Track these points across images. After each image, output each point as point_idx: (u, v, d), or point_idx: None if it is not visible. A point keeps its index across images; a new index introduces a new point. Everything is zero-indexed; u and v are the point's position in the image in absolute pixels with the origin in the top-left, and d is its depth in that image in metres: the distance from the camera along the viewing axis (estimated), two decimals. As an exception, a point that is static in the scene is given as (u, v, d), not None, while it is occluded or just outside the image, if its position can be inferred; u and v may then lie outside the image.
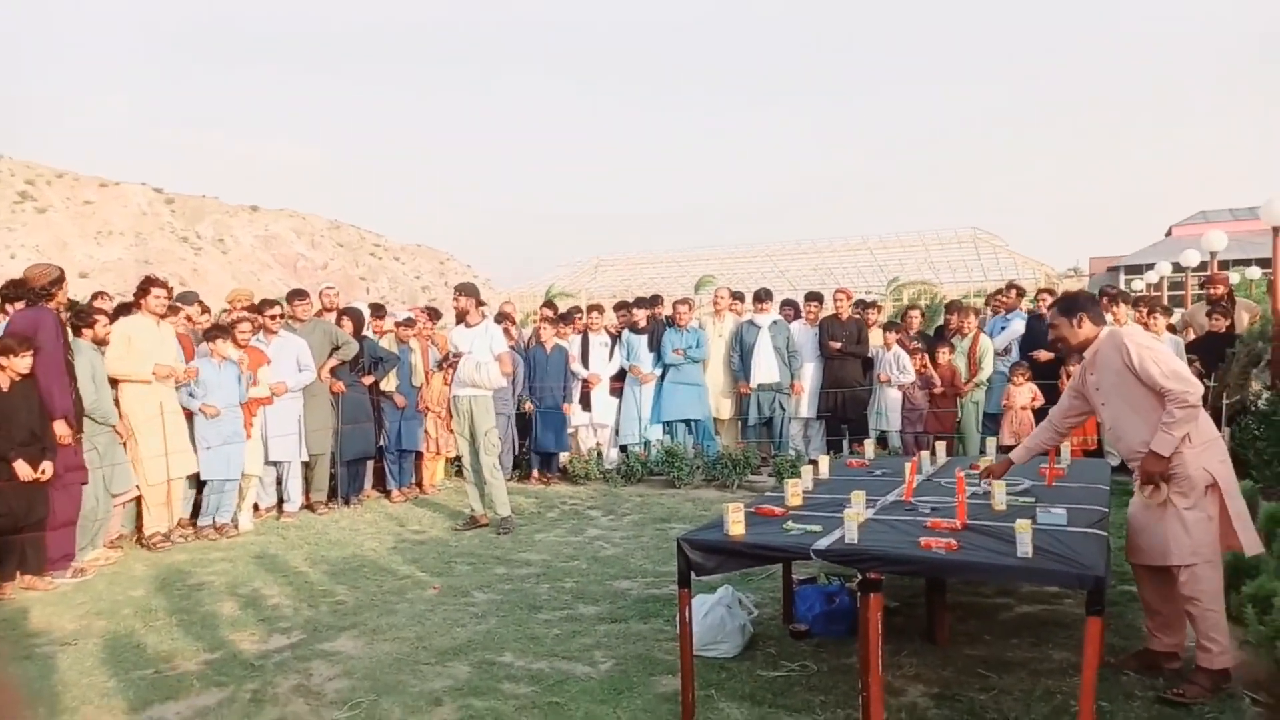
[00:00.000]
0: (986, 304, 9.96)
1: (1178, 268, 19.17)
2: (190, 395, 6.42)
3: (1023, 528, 2.88)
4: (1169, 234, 34.10)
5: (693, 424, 8.71)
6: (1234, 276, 17.72)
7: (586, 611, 4.62)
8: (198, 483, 6.59)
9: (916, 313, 8.97)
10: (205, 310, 7.87)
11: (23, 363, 5.11)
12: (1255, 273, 18.67)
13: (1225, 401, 6.92)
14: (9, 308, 5.90)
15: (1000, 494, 3.58)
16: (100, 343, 6.03)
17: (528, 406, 8.56)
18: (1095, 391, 3.61)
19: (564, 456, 8.88)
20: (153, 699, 3.59)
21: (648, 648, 4.03)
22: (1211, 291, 8.21)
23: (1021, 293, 9.38)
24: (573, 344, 8.94)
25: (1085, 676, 2.67)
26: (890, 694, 3.31)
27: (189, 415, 6.42)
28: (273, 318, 7.14)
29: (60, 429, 5.30)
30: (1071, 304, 3.67)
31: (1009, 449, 7.39)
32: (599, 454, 8.80)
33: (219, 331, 6.66)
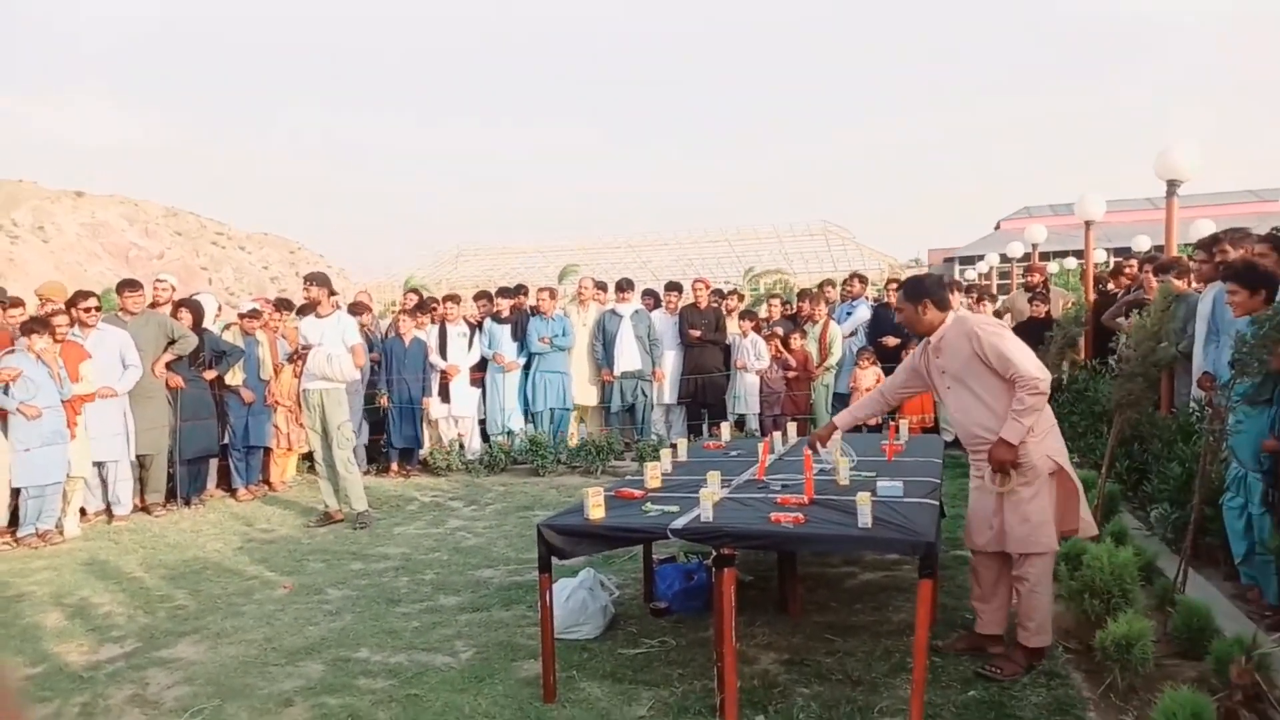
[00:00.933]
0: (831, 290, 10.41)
1: (1004, 258, 20.73)
2: (5, 394, 5.88)
3: (863, 500, 3.05)
4: (998, 227, 36.70)
5: (555, 412, 8.72)
6: (1053, 266, 19.32)
7: (447, 602, 4.56)
8: (11, 489, 6.04)
9: (777, 301, 9.29)
10: (14, 305, 7.16)
11: None
12: (1071, 263, 20.42)
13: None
14: None
15: (844, 470, 3.78)
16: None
17: (383, 400, 8.33)
18: (940, 375, 3.61)
19: (424, 449, 8.69)
20: (-38, 722, 3.28)
21: (510, 634, 4.02)
22: (1031, 280, 8.92)
23: (865, 281, 9.88)
24: (430, 335, 8.75)
25: (918, 635, 2.86)
26: (744, 662, 3.44)
27: (2, 416, 5.88)
28: (87, 310, 6.60)
29: None
30: (917, 289, 3.66)
31: (854, 429, 7.85)
32: (460, 445, 8.66)
33: (38, 325, 6.12)
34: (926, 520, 3.09)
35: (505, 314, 8.82)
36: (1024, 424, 3.28)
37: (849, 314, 9.08)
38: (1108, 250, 19.85)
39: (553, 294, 9.05)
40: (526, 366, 8.71)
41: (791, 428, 5.27)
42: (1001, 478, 3.37)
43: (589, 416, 9.17)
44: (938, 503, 3.44)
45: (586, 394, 8.95)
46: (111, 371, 6.54)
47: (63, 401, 6.15)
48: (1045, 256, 16.63)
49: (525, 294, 9.35)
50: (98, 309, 6.76)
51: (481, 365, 8.78)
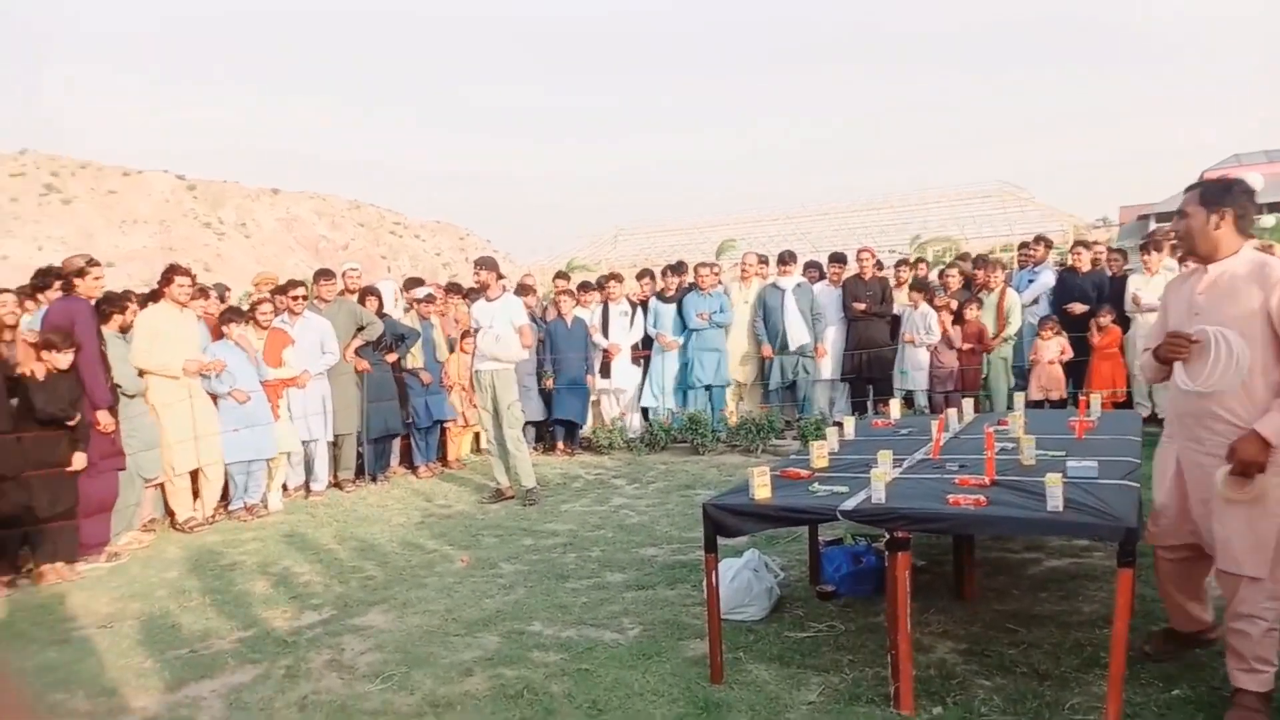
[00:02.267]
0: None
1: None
2: (218, 380, 6.47)
3: (1053, 481, 2.82)
4: (1201, 179, 33.32)
5: (713, 390, 8.68)
6: (1268, 219, 17.29)
7: (614, 579, 4.63)
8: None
9: (955, 271, 8.80)
10: (223, 300, 7.92)
11: (64, 359, 5.18)
12: (1269, 220, 18.20)
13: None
14: (39, 297, 6.01)
15: (1029, 448, 3.52)
16: (125, 329, 6.09)
17: (548, 382, 8.56)
18: (1192, 317, 2.85)
19: (587, 427, 8.89)
20: (188, 677, 3.65)
21: (675, 613, 4.03)
22: None
23: (1050, 245, 9.19)
24: (593, 314, 8.90)
25: (1116, 628, 2.63)
26: (919, 650, 3.28)
27: (213, 399, 6.49)
28: (296, 299, 7.16)
29: (104, 418, 5.41)
30: (1220, 194, 2.84)
31: (1037, 404, 7.35)
32: (622, 424, 8.79)
33: (235, 315, 6.68)
34: (1126, 503, 2.82)
35: (671, 292, 8.83)
36: None
37: (1030, 281, 8.48)
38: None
39: (713, 269, 8.97)
40: (685, 345, 8.70)
41: (967, 404, 4.97)
42: (1236, 482, 2.68)
43: (747, 394, 9.07)
44: (1137, 485, 3.13)
45: (745, 371, 8.85)
46: (312, 356, 7.08)
47: (264, 384, 6.71)
48: (1261, 209, 14.90)
49: (685, 271, 9.33)
50: (304, 297, 7.32)
51: (644, 343, 8.86)
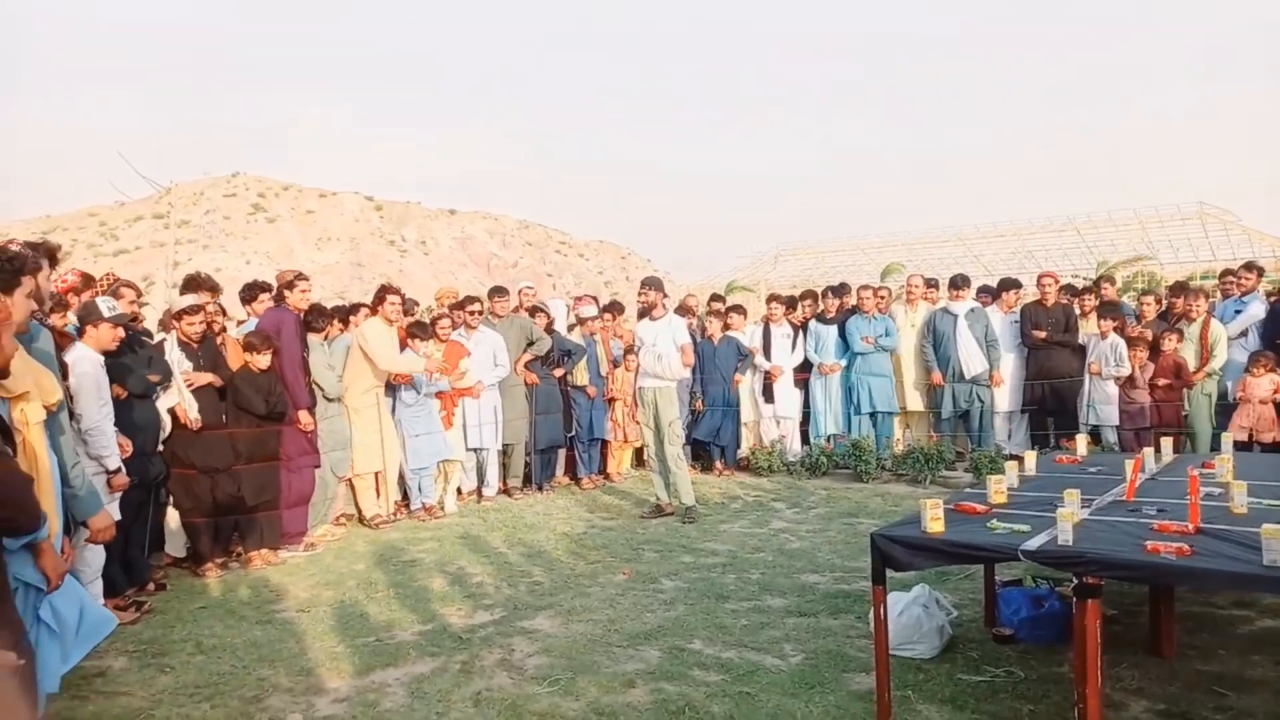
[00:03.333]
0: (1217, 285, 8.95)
1: None
2: (419, 385, 6.96)
3: (1271, 533, 2.57)
4: None
5: (879, 416, 8.44)
6: None
7: (774, 604, 4.59)
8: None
9: (1152, 299, 8.17)
10: (416, 307, 8.52)
11: (263, 359, 5.72)
12: None
13: None
14: (247, 308, 6.67)
15: (1241, 495, 3.22)
16: (326, 338, 6.64)
17: (697, 405, 8.59)
18: None
19: (745, 448, 8.85)
20: (375, 664, 3.91)
21: (839, 643, 3.95)
22: None
23: (1261, 272, 8.37)
24: (754, 335, 8.88)
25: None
26: (1109, 707, 3.06)
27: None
28: (473, 314, 7.58)
29: (304, 418, 5.94)
30: None
31: (1244, 446, 6.69)
32: (782, 446, 8.70)
33: (419, 329, 7.14)
34: (1361, 565, 2.53)
35: (832, 314, 8.71)
36: None
37: (1237, 312, 7.74)
38: None
39: (876, 292, 8.77)
40: (849, 368, 8.52)
41: (1166, 444, 4.60)
42: None
43: (915, 422, 8.75)
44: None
45: (912, 398, 8.56)
46: (486, 368, 7.46)
47: (441, 393, 7.13)
48: None
49: (847, 293, 9.16)
50: (480, 313, 7.74)
51: (805, 366, 8.75)
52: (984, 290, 9.22)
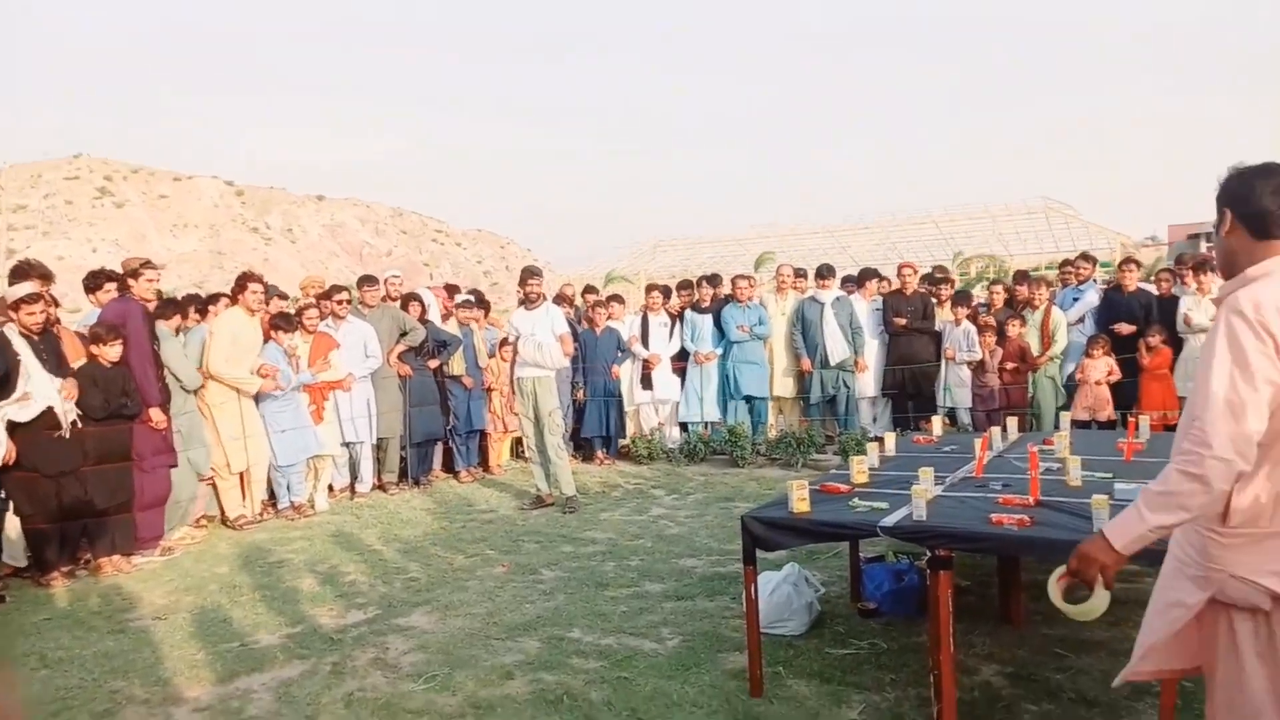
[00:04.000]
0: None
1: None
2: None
3: (1099, 503, 2.81)
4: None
5: (753, 402, 8.68)
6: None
7: (652, 589, 4.66)
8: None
9: (1000, 288, 8.68)
10: (284, 298, 8.16)
11: (112, 351, 5.35)
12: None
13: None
14: (90, 298, 6.21)
15: (1075, 469, 3.49)
16: (179, 331, 6.27)
17: (579, 395, 8.62)
18: None
19: (626, 437, 8.94)
20: (239, 670, 3.74)
21: (714, 625, 4.05)
22: None
23: (1094, 262, 9.06)
24: (632, 325, 8.96)
25: (1168, 656, 2.59)
26: (963, 673, 3.27)
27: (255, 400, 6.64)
28: (340, 303, 7.32)
29: (156, 415, 5.58)
30: (1224, 187, 2.03)
31: (1083, 424, 7.24)
32: (661, 434, 8.83)
33: (283, 320, 6.84)
34: (1176, 530, 2.79)
35: (706, 304, 8.88)
36: (1150, 520, 1.87)
37: (1075, 299, 8.36)
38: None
39: (750, 281, 9.00)
40: (724, 356, 8.72)
41: (1012, 423, 4.93)
42: (1065, 586, 2.16)
43: (787, 408, 9.05)
44: (1188, 510, 3.09)
45: (784, 385, 8.84)
46: (356, 360, 7.22)
47: (309, 387, 6.86)
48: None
49: (719, 283, 9.36)
50: (349, 302, 7.48)
51: (682, 355, 8.90)
52: (848, 280, 9.61)
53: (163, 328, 6.04)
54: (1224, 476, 1.80)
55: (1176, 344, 7.52)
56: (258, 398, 6.59)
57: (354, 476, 7.50)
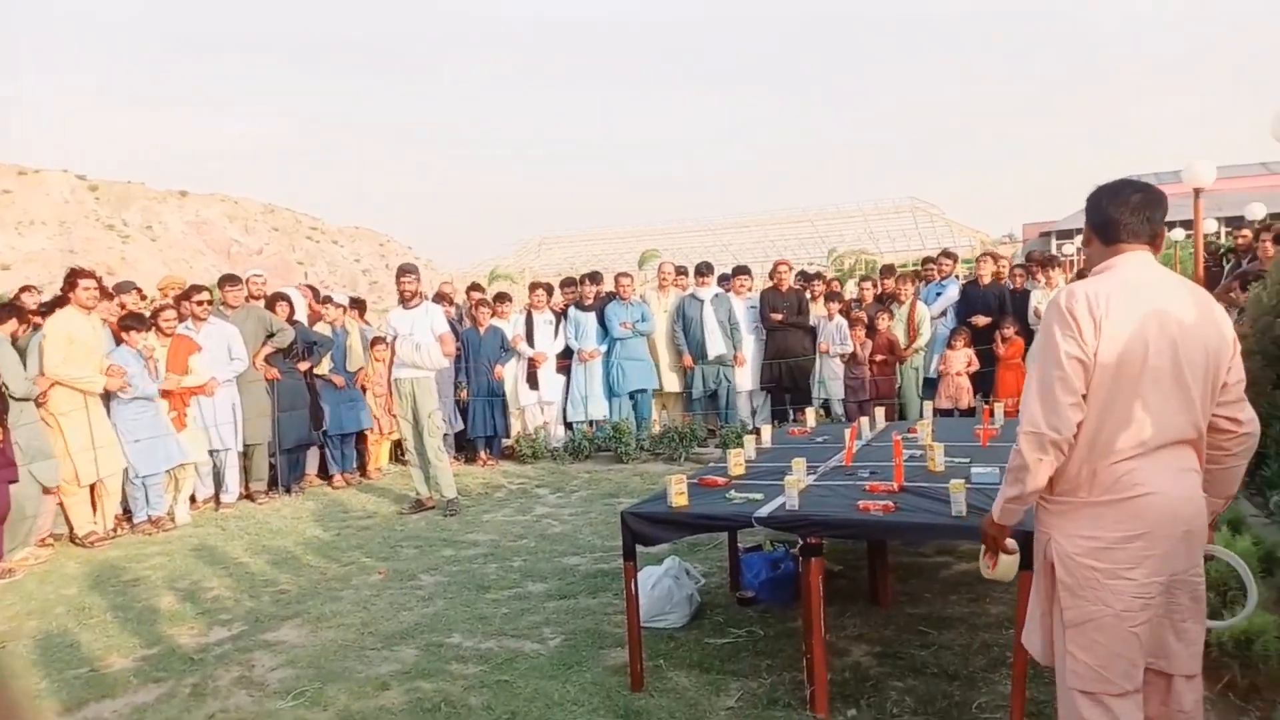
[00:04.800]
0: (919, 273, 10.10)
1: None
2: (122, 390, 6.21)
3: (956, 487, 2.94)
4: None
5: (637, 398, 8.73)
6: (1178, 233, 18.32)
7: (535, 589, 4.62)
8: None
9: (869, 284, 9.02)
10: (143, 298, 7.67)
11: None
12: (1179, 234, 19.31)
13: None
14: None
15: (939, 455, 3.65)
16: (15, 337, 5.79)
17: (462, 394, 8.46)
18: None
19: (510, 436, 8.83)
20: (88, 698, 3.49)
21: (597, 622, 4.04)
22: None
23: (955, 259, 9.55)
24: (517, 323, 8.86)
25: (1019, 629, 2.74)
26: (834, 654, 3.37)
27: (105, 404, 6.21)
28: (201, 304, 6.92)
29: None
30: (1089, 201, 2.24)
31: (946, 413, 7.63)
32: (546, 433, 8.77)
33: (134, 321, 6.42)
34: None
35: (589, 301, 8.86)
36: (1004, 492, 2.19)
37: (938, 294, 8.79)
38: (1219, 220, 18.71)
39: (632, 278, 9.04)
40: (608, 353, 8.74)
41: (879, 413, 5.13)
42: (987, 555, 2.44)
43: (671, 404, 9.15)
44: (1037, 491, 3.28)
45: (668, 381, 8.93)
46: (220, 364, 6.84)
47: (170, 393, 6.47)
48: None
49: (601, 280, 9.37)
50: (209, 303, 7.07)
51: (567, 353, 8.86)
52: (725, 277, 9.80)
53: (-2, 333, 5.56)
54: (1036, 446, 2.05)
55: (1029, 335, 8.02)
56: (109, 405, 6.18)
57: (219, 486, 7.11)
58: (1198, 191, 7.65)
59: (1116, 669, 2.06)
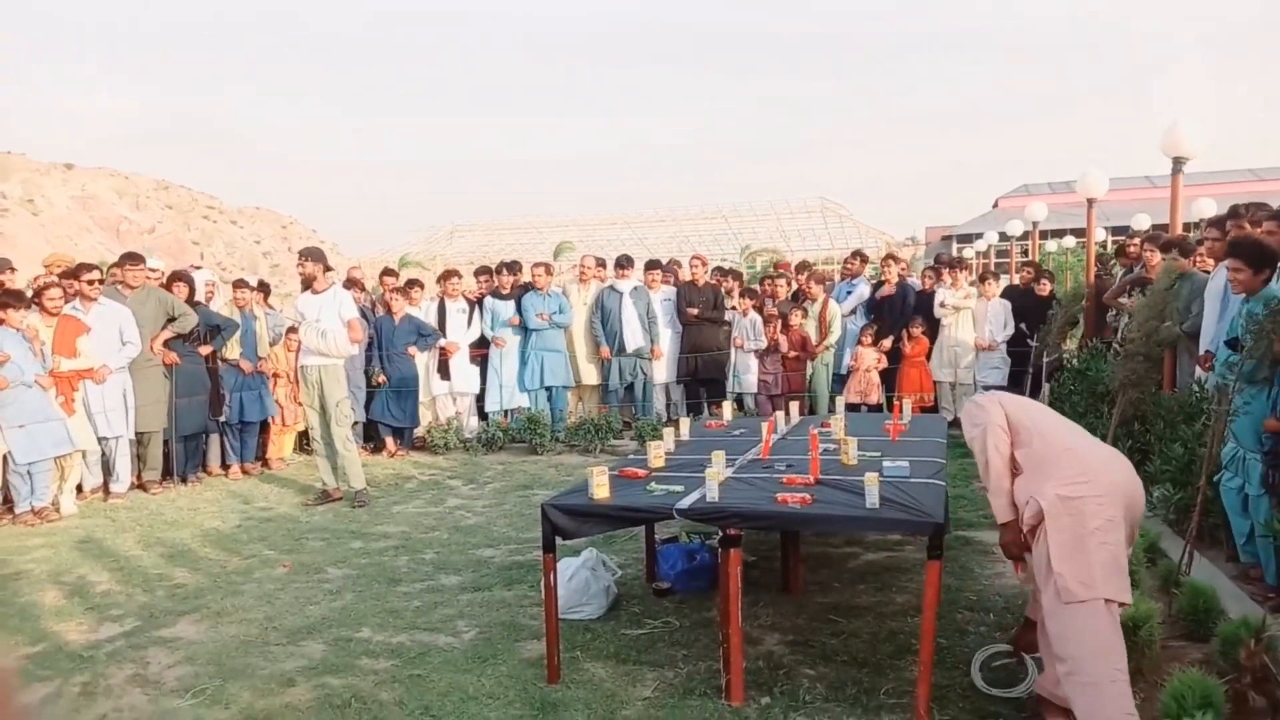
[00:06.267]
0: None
1: (1004, 236, 20.65)
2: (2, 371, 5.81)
3: (870, 480, 3.03)
4: (995, 205, 36.58)
5: (552, 390, 8.68)
6: (1050, 245, 19.27)
7: (448, 582, 4.54)
8: (1, 465, 6.00)
9: (784, 282, 9.17)
10: (12, 270, 7.15)
11: None
12: (1070, 241, 20.35)
13: (1045, 360, 7.53)
14: None
15: (852, 449, 3.75)
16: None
17: (380, 379, 8.25)
18: None
19: (422, 426, 8.65)
20: (-38, 701, 3.25)
21: (512, 614, 4.01)
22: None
23: (865, 259, 9.82)
24: (428, 311, 8.68)
25: (925, 617, 2.85)
26: (748, 643, 3.42)
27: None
28: (90, 283, 6.53)
29: None
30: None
31: (854, 407, 7.85)
32: (459, 423, 8.63)
33: (12, 299, 6.01)
34: (934, 500, 3.07)
35: (506, 290, 8.76)
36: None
37: (849, 292, 9.03)
38: (1106, 229, 19.79)
39: (548, 269, 8.98)
40: (525, 344, 8.65)
41: (794, 407, 5.24)
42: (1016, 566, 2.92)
43: (586, 395, 9.13)
44: (944, 483, 3.41)
45: (585, 373, 8.90)
46: (110, 347, 6.47)
47: (55, 375, 6.10)
48: (1044, 235, 16.56)
49: (519, 271, 9.27)
50: (100, 282, 6.68)
51: (481, 342, 8.73)
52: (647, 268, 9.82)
53: None
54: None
55: (934, 335, 8.33)
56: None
57: (108, 475, 6.74)
58: (1091, 201, 8.06)
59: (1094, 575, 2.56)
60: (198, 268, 8.62)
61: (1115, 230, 19.46)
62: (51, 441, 6.02)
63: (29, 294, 6.61)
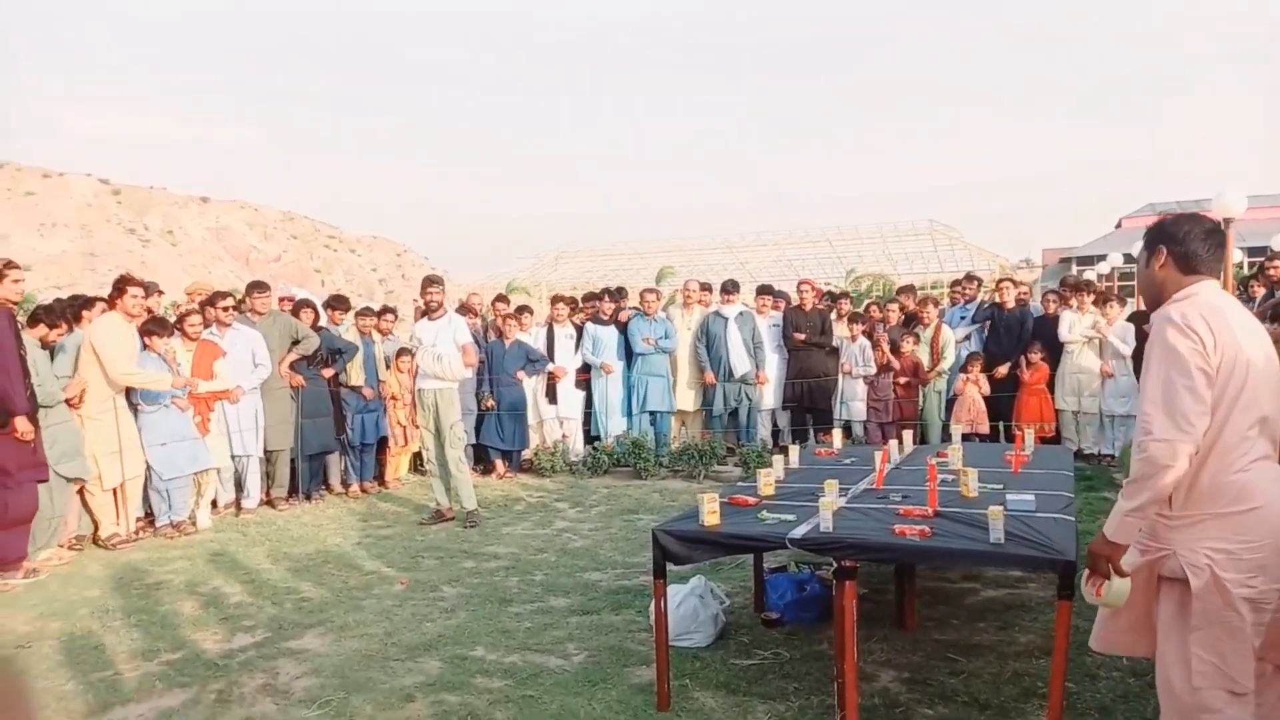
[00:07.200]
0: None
1: (1128, 258, 19.65)
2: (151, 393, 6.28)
3: (995, 514, 2.91)
4: (1119, 226, 34.88)
5: (657, 415, 8.72)
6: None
7: (557, 604, 4.60)
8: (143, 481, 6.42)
9: (895, 306, 8.94)
10: (161, 294, 7.75)
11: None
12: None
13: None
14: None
15: (973, 481, 3.62)
16: (46, 342, 5.85)
17: (489, 404, 8.46)
18: None
19: (529, 449, 8.82)
20: (113, 701, 3.49)
21: (620, 639, 4.02)
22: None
23: (980, 283, 9.51)
24: (537, 337, 8.88)
25: (1055, 659, 2.71)
26: (862, 679, 3.33)
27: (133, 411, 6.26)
28: (225, 310, 6.97)
29: (22, 425, 5.14)
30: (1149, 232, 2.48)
31: (967, 437, 7.57)
32: (565, 446, 8.76)
33: (157, 325, 6.46)
34: (1064, 537, 2.93)
35: (607, 316, 8.87)
36: (1123, 506, 2.24)
37: (962, 317, 8.75)
38: (1242, 249, 18.57)
39: (658, 295, 9.05)
40: (629, 368, 8.73)
41: (907, 435, 5.10)
42: (1091, 579, 2.41)
43: (690, 420, 9.13)
44: (1073, 518, 3.25)
45: (687, 398, 8.91)
46: (244, 369, 6.88)
47: (193, 396, 6.51)
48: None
49: (625, 296, 9.37)
50: (235, 308, 7.12)
51: (586, 367, 8.86)
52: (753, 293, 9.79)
53: (27, 337, 5.60)
54: (1168, 454, 2.15)
55: (1056, 361, 7.97)
56: (135, 409, 6.22)
57: (240, 491, 7.13)
58: (1228, 221, 7.59)
59: (1240, 669, 2.19)
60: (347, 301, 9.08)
61: (1252, 251, 18.26)
62: (189, 459, 6.41)
63: (171, 320, 7.10)
